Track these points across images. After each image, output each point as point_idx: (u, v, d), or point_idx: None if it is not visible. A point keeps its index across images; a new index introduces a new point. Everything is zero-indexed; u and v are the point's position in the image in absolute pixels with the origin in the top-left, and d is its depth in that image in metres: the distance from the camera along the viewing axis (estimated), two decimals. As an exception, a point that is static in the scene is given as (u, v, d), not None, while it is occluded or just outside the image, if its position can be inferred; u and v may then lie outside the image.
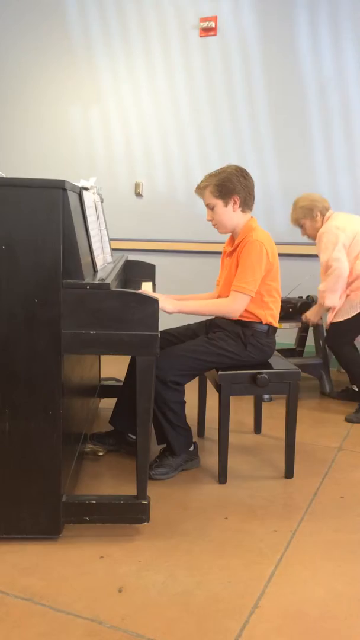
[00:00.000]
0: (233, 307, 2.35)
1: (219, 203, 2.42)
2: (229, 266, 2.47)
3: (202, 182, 2.46)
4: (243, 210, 2.45)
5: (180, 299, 2.62)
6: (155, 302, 1.81)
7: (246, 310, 2.38)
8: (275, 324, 2.46)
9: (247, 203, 2.45)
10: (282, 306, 3.42)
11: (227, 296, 2.40)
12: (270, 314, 2.43)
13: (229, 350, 2.36)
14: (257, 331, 2.40)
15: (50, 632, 1.50)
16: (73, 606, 1.60)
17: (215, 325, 2.51)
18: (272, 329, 2.45)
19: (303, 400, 3.36)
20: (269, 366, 2.42)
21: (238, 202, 2.42)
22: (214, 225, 2.50)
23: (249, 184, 2.44)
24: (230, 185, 2.39)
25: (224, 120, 4.29)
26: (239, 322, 2.42)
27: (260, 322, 2.41)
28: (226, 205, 2.42)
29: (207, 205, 2.47)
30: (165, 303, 2.30)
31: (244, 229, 2.44)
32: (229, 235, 2.58)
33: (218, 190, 2.41)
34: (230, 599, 1.65)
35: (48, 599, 1.63)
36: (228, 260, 2.51)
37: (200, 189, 2.47)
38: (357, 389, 3.42)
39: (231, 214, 2.44)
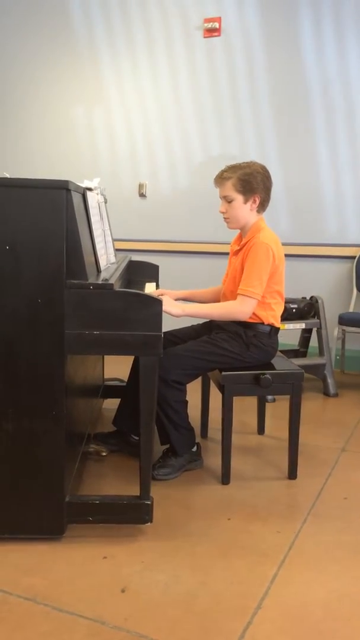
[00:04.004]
0: (241, 310, 2.31)
1: (238, 198, 2.35)
2: (235, 265, 2.44)
3: (224, 171, 2.36)
4: (258, 211, 2.41)
5: (185, 296, 2.61)
6: (158, 302, 1.81)
7: None
8: (278, 324, 2.45)
9: (263, 205, 2.41)
10: (285, 307, 3.43)
11: (232, 294, 2.39)
12: (272, 315, 2.41)
13: (231, 351, 2.36)
14: (259, 332, 2.40)
15: (53, 631, 1.50)
16: (76, 606, 1.60)
17: (217, 327, 2.51)
18: (274, 330, 2.44)
19: (306, 401, 3.36)
20: (272, 367, 2.41)
21: (258, 202, 2.37)
22: (225, 218, 2.43)
23: (270, 186, 2.39)
24: (255, 183, 2.33)
25: (227, 121, 4.29)
26: (240, 323, 2.40)
27: (262, 323, 2.40)
28: (246, 202, 2.36)
29: (224, 197, 2.38)
30: (170, 307, 2.21)
31: (252, 228, 2.40)
32: (235, 232, 2.56)
33: (241, 185, 2.33)
34: (233, 599, 1.65)
35: (51, 598, 1.63)
36: (234, 258, 2.48)
37: (221, 179, 2.36)
38: None
39: (247, 212, 2.38)
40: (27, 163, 4.83)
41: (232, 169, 2.36)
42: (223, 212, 2.42)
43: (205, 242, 4.38)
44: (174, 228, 4.50)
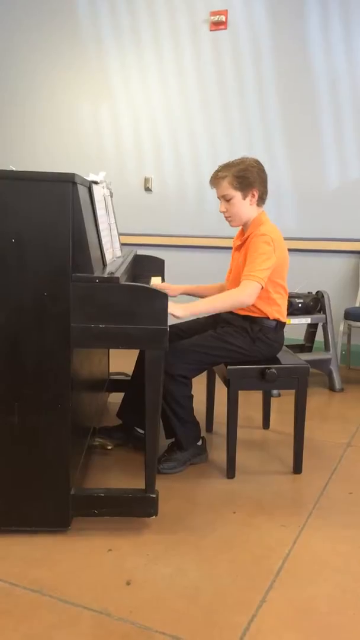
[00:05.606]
0: (245, 293, 2.23)
1: (237, 195, 2.34)
2: (238, 260, 2.44)
3: (219, 171, 2.36)
4: (258, 205, 2.41)
5: (188, 291, 2.60)
6: (164, 296, 1.80)
7: (254, 306, 2.36)
8: (283, 319, 2.44)
9: (262, 198, 2.40)
10: (291, 302, 3.43)
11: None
12: (277, 310, 2.40)
13: (237, 345, 2.35)
14: (265, 327, 2.39)
15: (59, 623, 1.51)
16: (81, 598, 1.61)
17: (223, 320, 2.50)
18: (280, 325, 2.43)
19: (312, 396, 3.35)
20: (278, 361, 2.41)
21: (256, 196, 2.37)
22: (227, 217, 2.42)
23: (266, 178, 2.39)
24: (251, 177, 2.32)
25: (233, 115, 4.27)
26: (247, 318, 2.40)
27: (268, 318, 2.39)
28: (244, 198, 2.35)
29: (222, 197, 2.38)
30: (175, 309, 2.13)
31: (254, 223, 2.39)
32: (238, 228, 2.56)
33: (238, 181, 2.32)
34: (238, 593, 1.65)
35: (57, 590, 1.64)
36: (237, 254, 2.48)
37: (217, 179, 2.36)
38: None
39: (248, 208, 2.38)
40: (32, 157, 4.83)
41: (226, 167, 2.35)
42: (224, 212, 2.40)
43: (211, 236, 4.37)
44: (180, 222, 4.50)
